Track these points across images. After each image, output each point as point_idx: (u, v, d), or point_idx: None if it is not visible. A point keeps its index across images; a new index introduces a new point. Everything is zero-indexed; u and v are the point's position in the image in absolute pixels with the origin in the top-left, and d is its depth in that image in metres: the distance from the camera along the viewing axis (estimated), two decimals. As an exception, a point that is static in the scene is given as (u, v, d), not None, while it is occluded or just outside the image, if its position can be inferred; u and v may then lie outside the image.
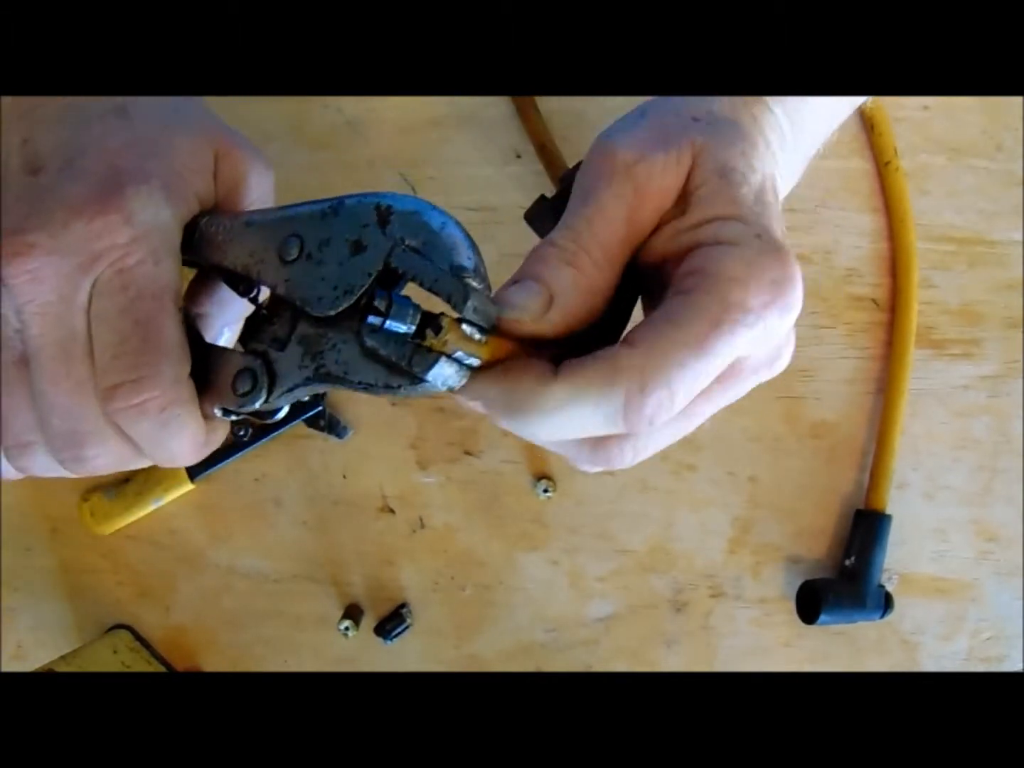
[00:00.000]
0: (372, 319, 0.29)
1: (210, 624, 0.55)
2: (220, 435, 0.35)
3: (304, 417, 0.52)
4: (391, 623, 0.53)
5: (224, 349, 0.34)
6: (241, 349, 0.33)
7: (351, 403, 0.54)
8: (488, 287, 0.30)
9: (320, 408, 0.52)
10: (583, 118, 0.53)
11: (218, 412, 0.33)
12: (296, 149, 0.54)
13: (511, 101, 0.54)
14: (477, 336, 0.29)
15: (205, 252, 0.33)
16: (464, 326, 0.28)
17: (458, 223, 0.29)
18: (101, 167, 0.31)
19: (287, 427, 0.53)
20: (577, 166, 0.43)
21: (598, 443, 0.33)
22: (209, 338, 0.38)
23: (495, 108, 0.54)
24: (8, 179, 0.31)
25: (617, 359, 0.29)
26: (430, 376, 0.28)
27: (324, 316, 0.31)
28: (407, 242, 0.29)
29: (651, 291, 0.34)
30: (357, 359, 0.30)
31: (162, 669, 0.54)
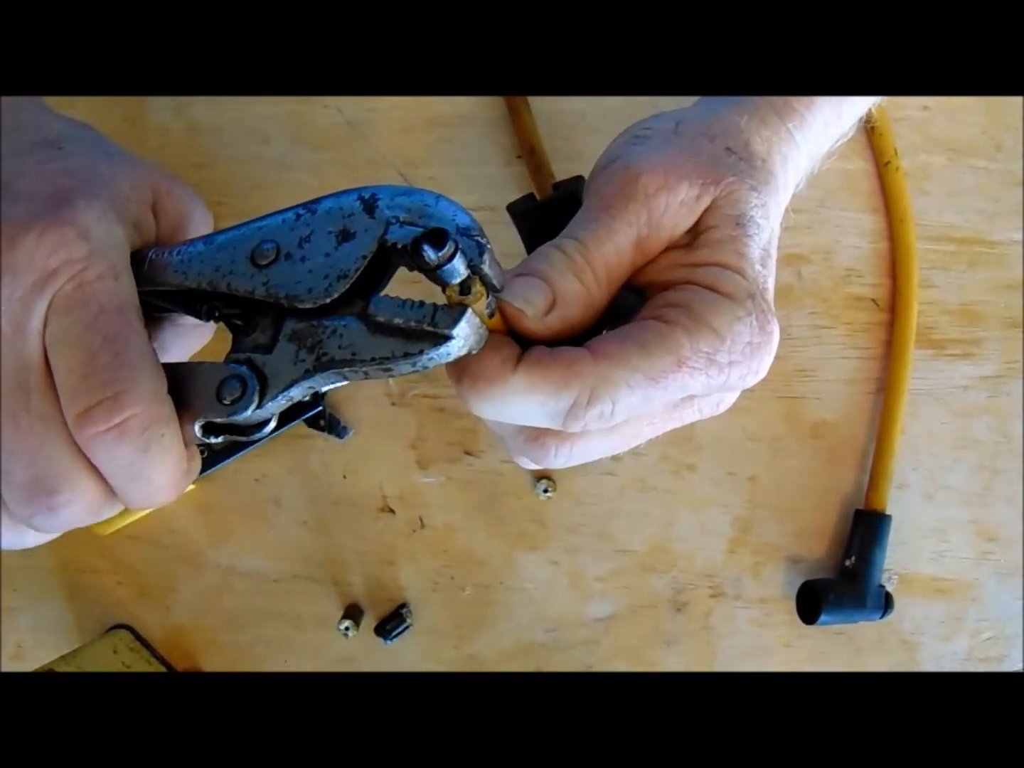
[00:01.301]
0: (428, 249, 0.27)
1: (210, 624, 0.55)
2: (198, 464, 0.32)
3: (304, 417, 0.52)
4: (391, 623, 0.53)
5: (197, 363, 0.31)
6: (214, 362, 0.31)
7: (351, 403, 0.54)
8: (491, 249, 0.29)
9: (320, 408, 0.52)
10: (584, 119, 0.53)
11: (198, 430, 0.30)
12: (296, 149, 0.54)
13: (502, 103, 0.53)
14: (490, 304, 0.29)
15: (158, 278, 0.31)
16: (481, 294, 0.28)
17: (451, 199, 0.29)
18: (44, 187, 0.29)
19: (287, 427, 0.53)
20: (574, 180, 0.43)
21: (536, 436, 0.33)
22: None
23: (495, 108, 0.54)
24: None
25: (578, 365, 0.30)
26: (456, 331, 0.28)
27: (317, 307, 0.29)
28: (401, 217, 0.29)
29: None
30: (365, 337, 0.29)
31: (162, 669, 0.54)
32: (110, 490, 0.30)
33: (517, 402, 0.30)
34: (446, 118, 0.54)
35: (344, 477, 0.54)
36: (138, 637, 0.54)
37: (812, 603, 0.52)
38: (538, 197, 0.44)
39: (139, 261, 0.31)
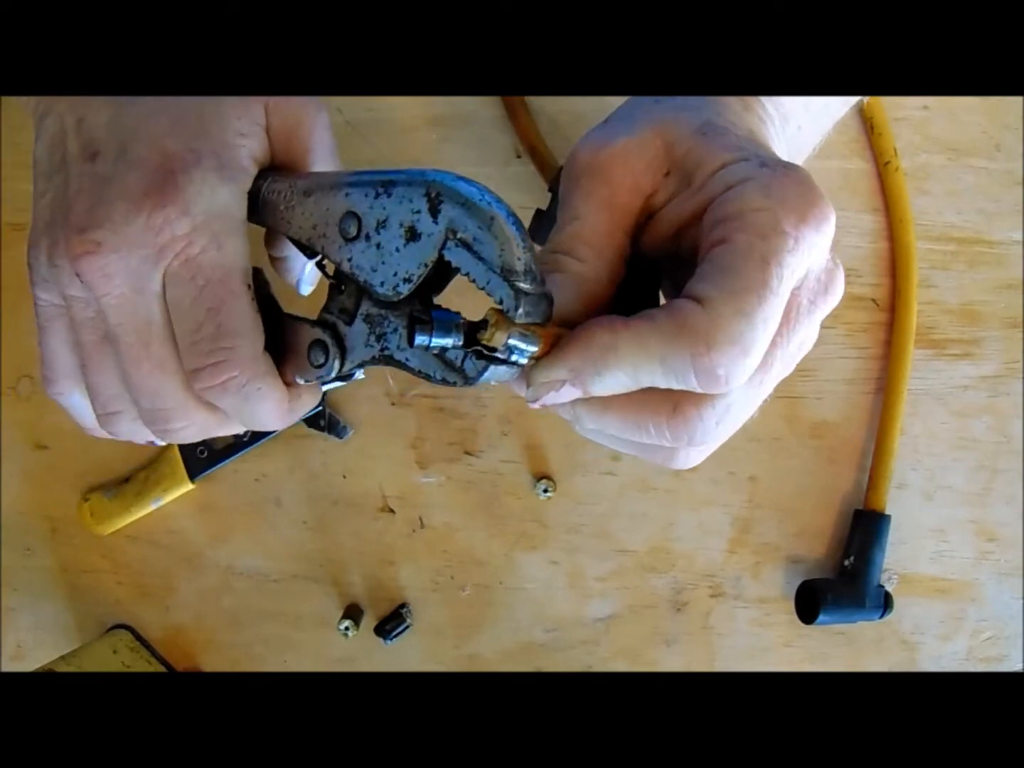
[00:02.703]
0: (419, 337, 0.28)
1: (210, 624, 0.55)
2: (308, 399, 0.36)
3: (304, 417, 0.52)
4: (391, 623, 0.53)
5: (296, 319, 0.34)
6: (313, 318, 0.34)
7: (351, 403, 0.54)
8: (541, 279, 0.29)
9: (320, 408, 0.52)
10: (584, 119, 0.53)
11: (300, 381, 0.34)
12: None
13: (502, 103, 0.53)
14: (529, 336, 0.29)
15: (270, 219, 0.34)
16: (515, 329, 0.28)
17: (509, 212, 0.29)
18: (153, 154, 0.31)
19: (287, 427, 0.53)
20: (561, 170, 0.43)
21: (675, 411, 0.30)
22: (292, 278, 0.40)
23: (495, 108, 0.54)
24: (70, 165, 0.32)
25: (682, 312, 0.29)
26: (481, 380, 0.29)
27: (385, 301, 0.31)
28: (459, 234, 0.29)
29: (674, 272, 0.34)
30: (417, 348, 0.30)
31: (162, 669, 0.54)
32: (222, 418, 0.35)
33: (635, 365, 0.29)
34: (446, 118, 0.54)
35: (344, 477, 0.54)
36: (138, 637, 0.54)
37: (811, 603, 0.52)
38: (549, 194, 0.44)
39: (255, 198, 0.34)
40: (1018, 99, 0.54)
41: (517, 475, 0.54)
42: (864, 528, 0.52)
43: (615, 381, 0.30)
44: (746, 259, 0.28)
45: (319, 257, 0.34)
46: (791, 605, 0.53)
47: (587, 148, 0.33)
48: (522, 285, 0.28)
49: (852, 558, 0.52)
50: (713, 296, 0.28)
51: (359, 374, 0.34)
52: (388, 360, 0.32)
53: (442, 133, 0.54)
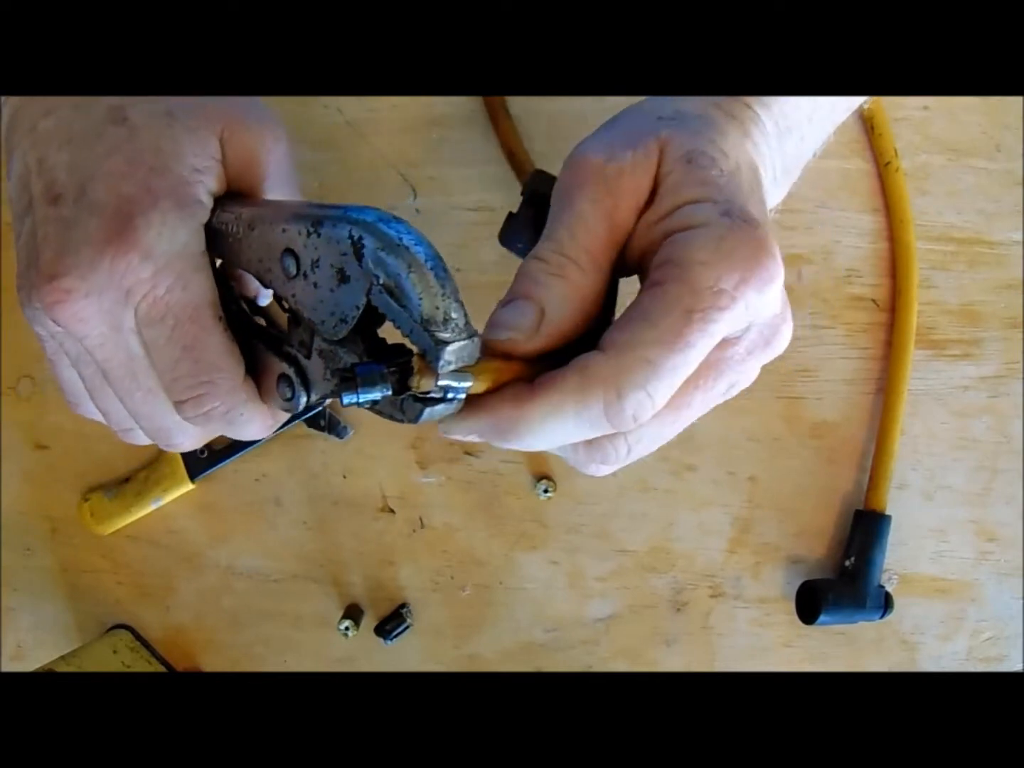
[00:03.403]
0: (346, 397, 0.28)
1: (210, 624, 0.55)
2: (283, 413, 0.36)
3: (304, 417, 0.52)
4: (391, 623, 0.53)
5: (266, 345, 0.34)
6: (280, 335, 0.34)
7: (351, 403, 0.54)
8: (464, 322, 0.29)
9: (320, 408, 0.52)
10: (584, 119, 0.53)
11: (275, 407, 0.35)
12: (296, 149, 0.53)
13: (483, 105, 0.53)
14: (463, 375, 0.29)
15: (221, 249, 0.34)
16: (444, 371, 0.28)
17: (430, 254, 0.28)
18: (111, 197, 0.31)
19: (287, 427, 0.53)
20: (537, 174, 0.43)
21: (591, 444, 0.33)
22: (251, 291, 0.39)
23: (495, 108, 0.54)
24: (35, 208, 0.32)
25: (588, 368, 0.30)
26: (421, 421, 0.29)
27: (328, 339, 0.31)
28: (381, 280, 0.28)
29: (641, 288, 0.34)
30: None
31: (162, 669, 0.54)
32: (217, 431, 0.36)
33: (550, 427, 0.30)
34: (446, 118, 0.54)
35: (344, 477, 0.54)
36: (138, 637, 0.54)
37: (812, 603, 0.52)
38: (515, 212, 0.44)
39: (209, 229, 0.33)
40: (1018, 99, 0.54)
41: (517, 475, 0.53)
42: (865, 528, 0.52)
43: (531, 442, 0.31)
44: (668, 311, 0.29)
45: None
46: (791, 605, 0.53)
47: (596, 154, 0.33)
48: (442, 335, 0.28)
49: (853, 558, 0.52)
50: (621, 342, 0.29)
51: (328, 401, 0.34)
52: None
53: (442, 133, 0.54)
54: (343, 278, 0.29)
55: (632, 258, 0.33)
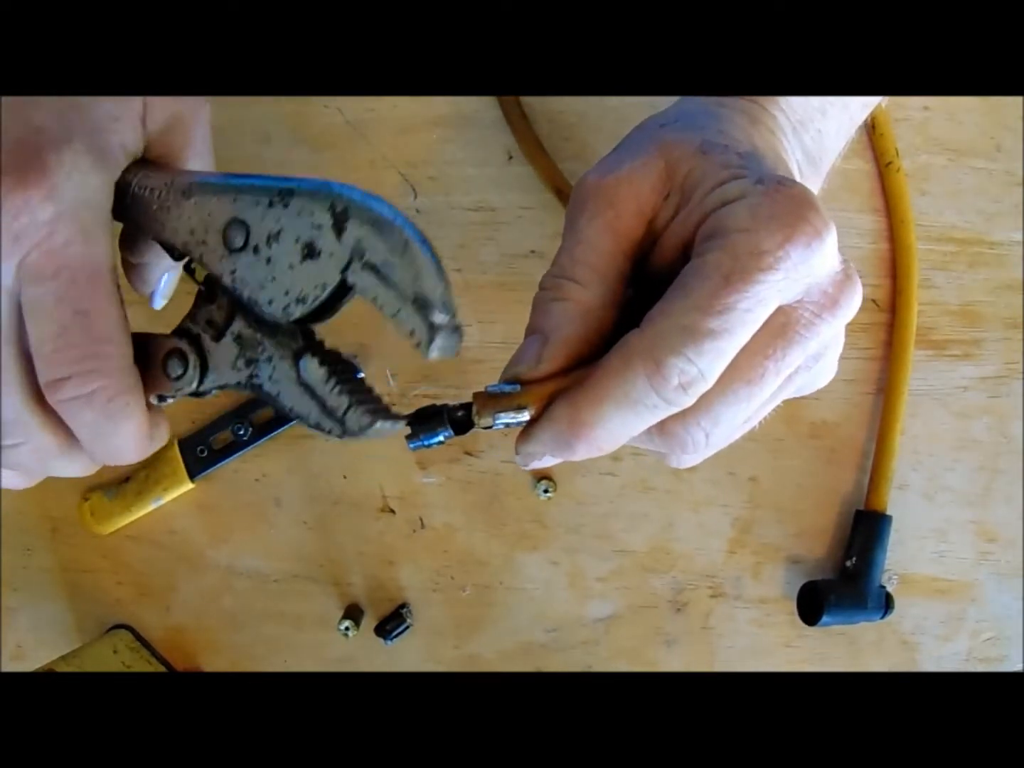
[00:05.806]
0: (412, 443, 0.27)
1: (210, 624, 0.55)
2: (163, 430, 0.32)
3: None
4: (391, 623, 0.53)
5: (143, 334, 0.31)
6: (166, 333, 0.31)
7: (351, 403, 0.54)
8: (455, 311, 0.27)
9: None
10: (584, 119, 0.53)
11: (154, 400, 0.31)
12: (296, 149, 0.54)
13: (499, 104, 0.53)
14: (513, 396, 0.29)
15: (139, 218, 0.30)
16: (501, 407, 0.28)
17: (424, 238, 0.26)
18: (18, 124, 0.28)
19: (287, 427, 0.53)
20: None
21: (661, 429, 0.31)
22: (146, 288, 0.36)
23: (495, 108, 0.54)
24: None
25: (627, 344, 0.29)
26: (363, 437, 0.27)
27: (271, 321, 0.28)
28: (366, 257, 0.26)
29: None
30: (291, 384, 0.28)
31: (162, 669, 0.54)
32: (69, 444, 0.31)
33: (606, 414, 0.29)
34: (446, 118, 0.54)
35: (344, 477, 0.54)
36: (138, 637, 0.54)
37: (814, 604, 0.51)
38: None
39: (123, 191, 0.30)
40: (1018, 99, 0.54)
41: (517, 475, 0.53)
42: (865, 529, 0.52)
43: (598, 436, 0.30)
44: (706, 278, 0.28)
45: (186, 260, 0.30)
46: (791, 605, 0.53)
47: (594, 174, 0.33)
48: (437, 318, 0.26)
49: (854, 559, 0.52)
50: (656, 314, 0.29)
51: (214, 393, 0.31)
52: (255, 389, 0.29)
53: (442, 133, 0.54)
54: (311, 253, 0.27)
55: (668, 259, 0.32)
